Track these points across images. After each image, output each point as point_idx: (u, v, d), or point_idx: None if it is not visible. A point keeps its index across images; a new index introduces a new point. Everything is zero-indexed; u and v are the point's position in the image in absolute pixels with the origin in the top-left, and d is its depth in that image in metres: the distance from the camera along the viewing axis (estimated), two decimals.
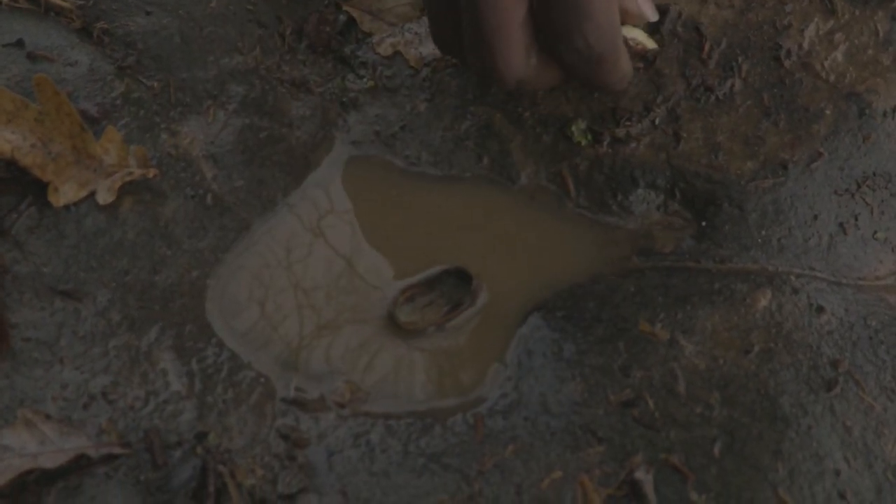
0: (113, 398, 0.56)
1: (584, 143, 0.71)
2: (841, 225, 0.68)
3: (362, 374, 0.61)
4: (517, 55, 0.60)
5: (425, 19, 0.78)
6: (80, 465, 0.53)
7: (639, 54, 0.70)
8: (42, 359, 0.57)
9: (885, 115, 0.70)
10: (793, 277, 0.65)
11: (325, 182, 0.71)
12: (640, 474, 0.54)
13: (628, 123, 0.71)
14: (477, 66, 0.62)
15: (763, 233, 0.67)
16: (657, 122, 0.71)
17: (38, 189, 0.62)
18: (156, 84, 0.70)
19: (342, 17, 0.77)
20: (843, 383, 0.59)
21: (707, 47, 0.72)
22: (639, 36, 0.69)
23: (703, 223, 0.68)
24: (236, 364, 0.59)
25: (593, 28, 0.59)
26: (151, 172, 0.65)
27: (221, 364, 0.59)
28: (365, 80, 0.75)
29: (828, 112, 0.70)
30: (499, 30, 0.58)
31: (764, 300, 0.63)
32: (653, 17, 0.68)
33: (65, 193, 0.62)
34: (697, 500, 0.54)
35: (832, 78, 0.71)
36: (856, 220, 0.68)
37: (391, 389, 0.61)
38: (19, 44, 0.68)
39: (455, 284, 0.66)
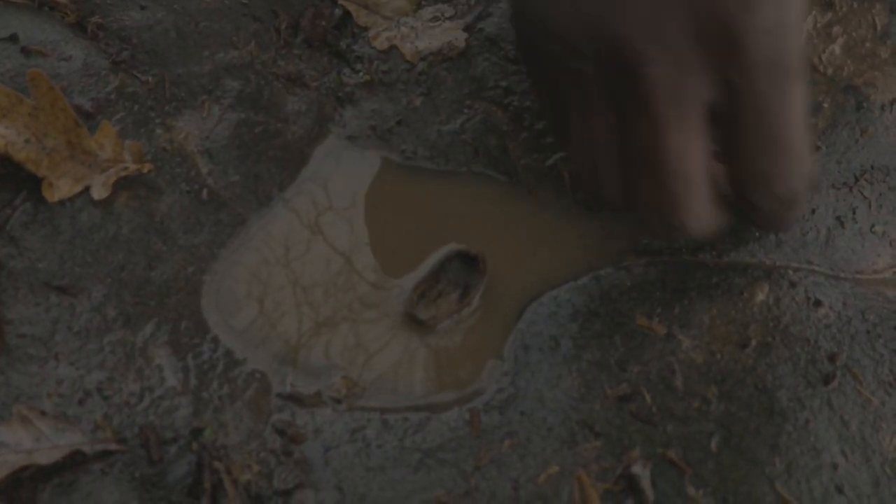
0: (108, 394, 0.56)
1: None
2: (839, 218, 0.67)
3: (360, 370, 0.61)
4: (706, 207, 0.53)
5: (421, 13, 0.78)
6: (75, 461, 0.52)
7: None
8: (37, 355, 0.56)
9: (882, 108, 0.70)
10: (790, 271, 0.65)
11: (321, 177, 0.71)
12: (637, 469, 0.54)
13: None
14: (656, 222, 0.54)
15: None
16: None
17: (32, 184, 0.62)
18: (150, 79, 0.70)
19: (338, 12, 0.77)
20: (841, 377, 0.59)
21: None
22: None
23: None
24: (232, 360, 0.59)
25: (797, 170, 0.52)
26: (146, 167, 0.64)
27: (217, 360, 0.59)
28: (361, 74, 0.75)
29: (825, 105, 0.70)
30: (686, 181, 0.51)
31: (761, 294, 0.63)
32: None
33: (59, 189, 0.62)
34: (694, 495, 0.54)
35: (830, 71, 0.71)
36: (853, 213, 0.68)
37: (389, 385, 0.61)
38: (13, 38, 0.67)
39: (459, 268, 0.66)
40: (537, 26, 0.51)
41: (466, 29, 0.76)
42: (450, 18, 0.77)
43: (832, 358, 0.60)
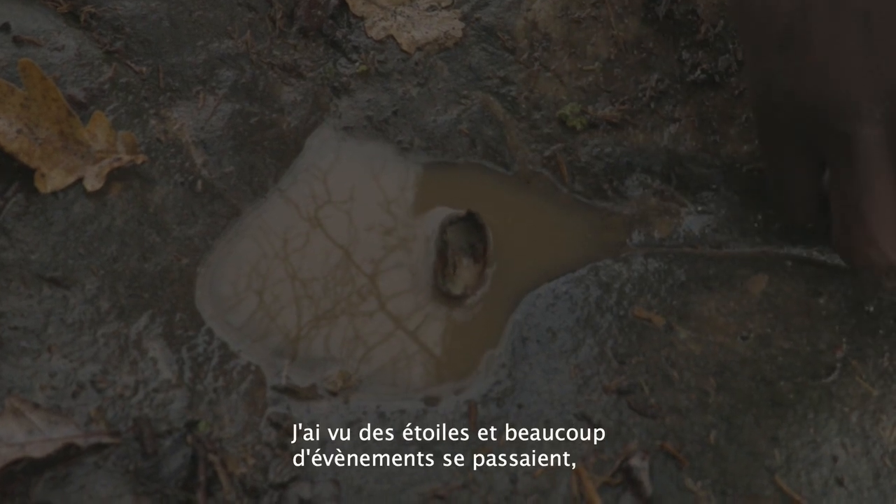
0: (102, 387, 0.55)
1: (578, 126, 0.70)
2: None
3: (358, 362, 0.61)
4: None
5: (418, 2, 0.77)
6: (68, 454, 0.52)
7: None
8: (30, 347, 0.56)
9: None
10: (790, 262, 0.64)
11: (316, 168, 0.70)
12: (635, 461, 0.54)
13: (623, 106, 0.70)
14: (851, 253, 0.58)
15: (760, 216, 0.66)
16: (652, 105, 0.70)
17: (24, 175, 0.61)
18: (144, 69, 0.69)
19: (334, 1, 0.76)
20: (841, 368, 0.59)
21: (703, 29, 0.71)
22: None
23: (700, 208, 0.68)
24: (227, 352, 0.59)
25: None
26: (140, 158, 0.64)
27: (212, 352, 0.59)
28: (357, 64, 0.74)
29: None
30: (882, 209, 0.55)
31: (761, 285, 0.63)
32: None
33: (52, 180, 0.61)
34: (693, 488, 0.54)
35: None
36: None
37: (386, 377, 0.60)
38: (5, 28, 0.67)
39: (458, 233, 0.66)
40: (810, 85, 0.55)
41: (463, 18, 0.75)
42: (446, 8, 0.76)
43: (832, 349, 0.60)
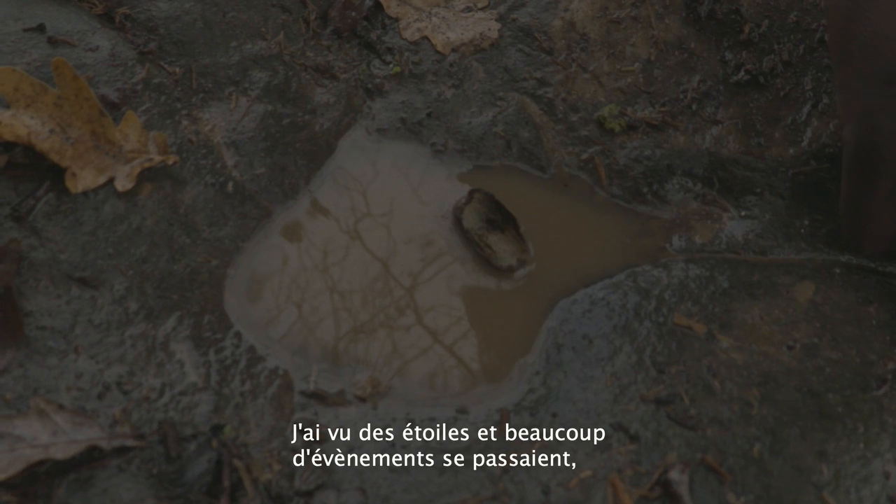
0: (128, 389, 0.55)
1: (617, 129, 0.68)
2: None
3: (388, 368, 0.59)
4: None
5: (453, 3, 0.76)
6: (92, 456, 0.51)
7: None
8: (56, 347, 0.55)
9: None
10: (838, 269, 0.62)
11: (348, 170, 0.69)
12: (674, 474, 0.52)
13: (663, 108, 0.69)
14: None
15: (806, 222, 0.64)
16: (694, 106, 0.68)
17: (55, 175, 0.61)
18: (177, 70, 0.69)
19: (368, 2, 0.75)
20: (893, 380, 0.56)
21: (747, 29, 0.69)
22: None
23: (743, 212, 0.66)
24: (254, 356, 0.58)
25: None
26: (171, 159, 0.63)
27: (239, 356, 0.58)
28: (391, 65, 0.73)
29: None
30: None
31: (808, 292, 0.61)
32: None
33: (83, 179, 0.61)
34: (736, 503, 0.51)
35: None
36: None
37: (416, 384, 0.59)
38: (40, 28, 0.67)
39: (473, 216, 0.65)
40: None
41: (499, 19, 0.74)
42: (482, 9, 0.75)
43: (884, 360, 0.57)
